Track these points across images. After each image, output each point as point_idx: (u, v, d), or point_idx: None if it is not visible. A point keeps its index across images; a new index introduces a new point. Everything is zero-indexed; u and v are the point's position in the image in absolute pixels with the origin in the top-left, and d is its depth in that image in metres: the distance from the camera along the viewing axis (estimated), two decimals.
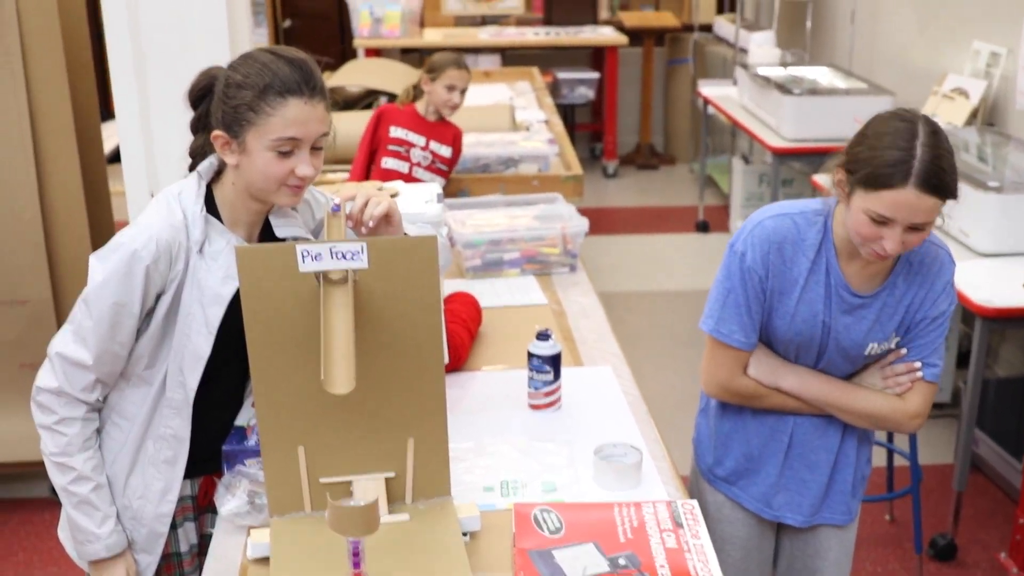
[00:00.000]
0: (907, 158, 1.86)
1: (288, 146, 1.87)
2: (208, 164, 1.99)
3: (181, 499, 2.05)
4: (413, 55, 7.55)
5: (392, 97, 5.12)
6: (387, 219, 1.96)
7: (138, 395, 1.98)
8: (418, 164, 3.86)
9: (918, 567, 3.37)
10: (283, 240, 2.03)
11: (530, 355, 2.31)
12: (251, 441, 1.97)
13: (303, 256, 1.72)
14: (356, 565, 1.54)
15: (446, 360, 2.33)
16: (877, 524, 3.69)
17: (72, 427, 1.92)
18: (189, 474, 2.04)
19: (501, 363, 2.57)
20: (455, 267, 3.18)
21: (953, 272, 2.10)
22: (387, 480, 1.84)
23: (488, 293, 2.97)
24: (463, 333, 2.54)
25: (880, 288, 2.07)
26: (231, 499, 1.89)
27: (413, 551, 1.75)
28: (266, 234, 2.04)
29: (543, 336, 2.31)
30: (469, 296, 2.74)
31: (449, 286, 2.88)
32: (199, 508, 2.12)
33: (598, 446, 2.08)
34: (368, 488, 1.82)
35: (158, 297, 1.92)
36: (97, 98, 3.74)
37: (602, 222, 6.82)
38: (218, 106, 1.90)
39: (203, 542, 2.13)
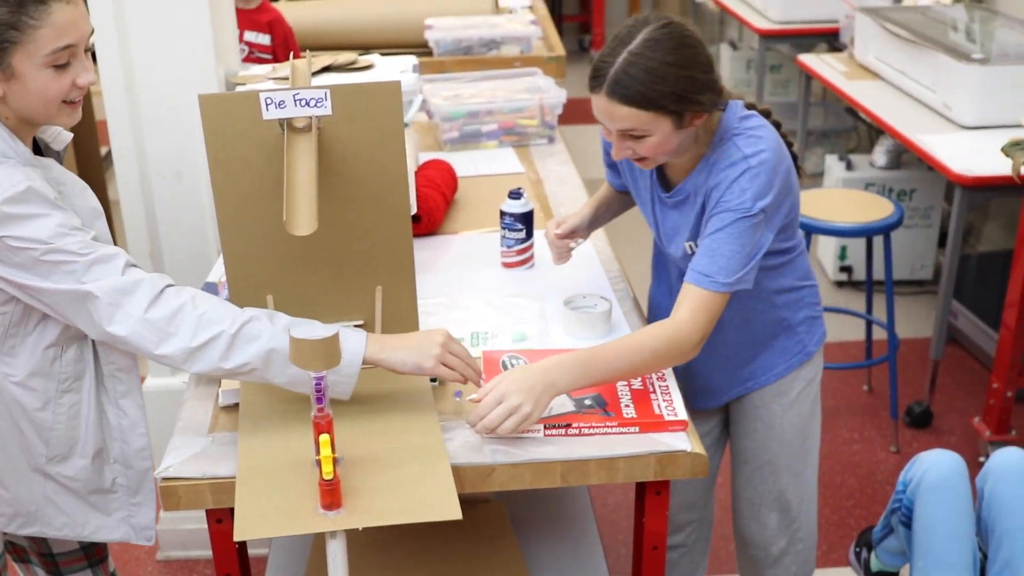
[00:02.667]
0: (605, 64, 1.80)
1: (65, 56, 1.67)
2: None
3: None
4: None
5: None
6: None
7: (72, 353, 1.82)
8: None
9: (894, 433, 3.42)
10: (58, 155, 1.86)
11: (502, 213, 2.31)
12: (222, 295, 1.99)
13: (267, 103, 1.71)
14: (320, 400, 1.55)
15: (414, 210, 2.33)
16: (855, 393, 3.73)
17: (180, 297, 1.71)
18: None
19: (476, 227, 2.57)
20: (433, 139, 3.17)
21: (746, 171, 1.83)
22: (356, 327, 1.85)
23: (466, 164, 2.96)
24: (437, 197, 2.53)
25: (684, 182, 1.97)
26: None
27: (380, 394, 1.78)
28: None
29: (515, 195, 2.31)
30: (444, 163, 2.73)
31: (426, 158, 2.87)
32: None
33: (568, 297, 2.09)
34: None
35: None
36: None
37: (588, 112, 6.74)
38: None
39: None
